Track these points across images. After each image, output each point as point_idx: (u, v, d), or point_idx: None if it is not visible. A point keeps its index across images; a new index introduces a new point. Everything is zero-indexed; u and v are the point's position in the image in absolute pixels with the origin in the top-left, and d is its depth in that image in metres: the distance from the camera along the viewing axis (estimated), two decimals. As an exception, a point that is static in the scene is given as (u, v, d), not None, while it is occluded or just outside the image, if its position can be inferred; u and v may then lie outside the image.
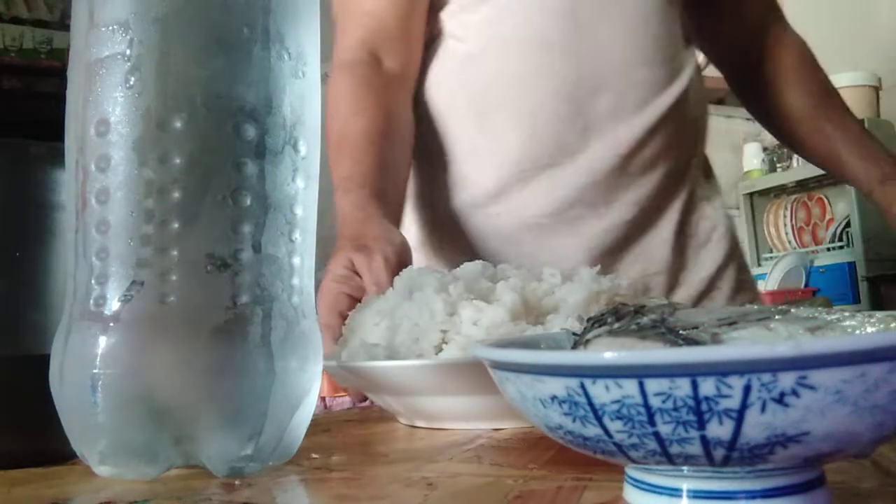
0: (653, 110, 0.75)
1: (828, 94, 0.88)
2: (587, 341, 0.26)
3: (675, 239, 0.78)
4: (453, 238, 0.79)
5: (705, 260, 0.80)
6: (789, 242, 2.83)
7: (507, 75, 0.75)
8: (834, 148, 0.85)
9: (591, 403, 0.20)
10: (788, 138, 0.92)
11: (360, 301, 0.54)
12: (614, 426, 0.20)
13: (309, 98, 0.34)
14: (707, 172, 0.85)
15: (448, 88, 0.79)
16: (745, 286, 0.83)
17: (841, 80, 2.66)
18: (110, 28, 0.31)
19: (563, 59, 0.74)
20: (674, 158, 0.77)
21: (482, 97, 0.77)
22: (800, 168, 2.75)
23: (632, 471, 0.24)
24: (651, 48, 0.75)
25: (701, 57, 0.89)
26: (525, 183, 0.76)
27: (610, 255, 0.75)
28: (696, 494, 0.22)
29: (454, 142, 0.79)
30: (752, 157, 2.90)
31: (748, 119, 3.10)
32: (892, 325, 0.26)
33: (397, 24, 0.76)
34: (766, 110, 0.91)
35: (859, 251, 2.49)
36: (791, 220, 2.83)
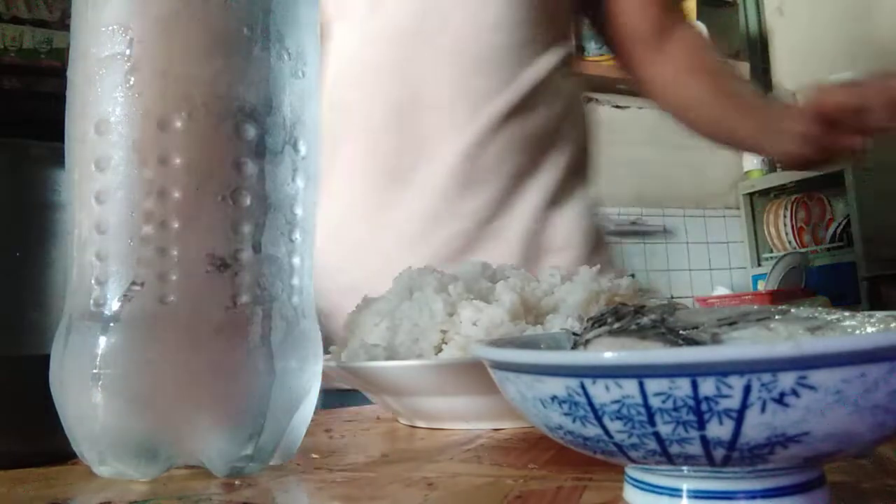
0: (483, 118, 0.76)
1: (720, 73, 0.88)
2: (587, 341, 0.26)
3: (524, 247, 0.78)
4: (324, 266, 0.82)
5: (557, 264, 0.80)
6: (789, 242, 2.83)
7: (344, 102, 0.80)
8: (726, 119, 0.86)
9: (591, 403, 0.20)
10: (690, 124, 0.92)
11: None
12: (614, 426, 0.20)
13: (309, 98, 0.34)
14: (576, 172, 0.84)
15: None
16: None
17: (841, 80, 2.66)
18: (110, 28, 0.31)
19: (391, 81, 0.77)
20: (516, 165, 0.78)
21: (329, 125, 0.80)
22: (800, 168, 2.74)
23: (632, 471, 0.24)
24: (484, 60, 0.77)
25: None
26: (367, 203, 0.79)
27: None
28: (696, 494, 0.22)
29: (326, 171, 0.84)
30: (752, 156, 2.90)
31: (748, 119, 3.10)
32: (892, 325, 0.26)
33: None
34: (670, 105, 0.91)
35: (859, 251, 2.49)
36: (791, 220, 2.83)
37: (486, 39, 0.77)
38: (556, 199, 0.81)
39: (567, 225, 0.81)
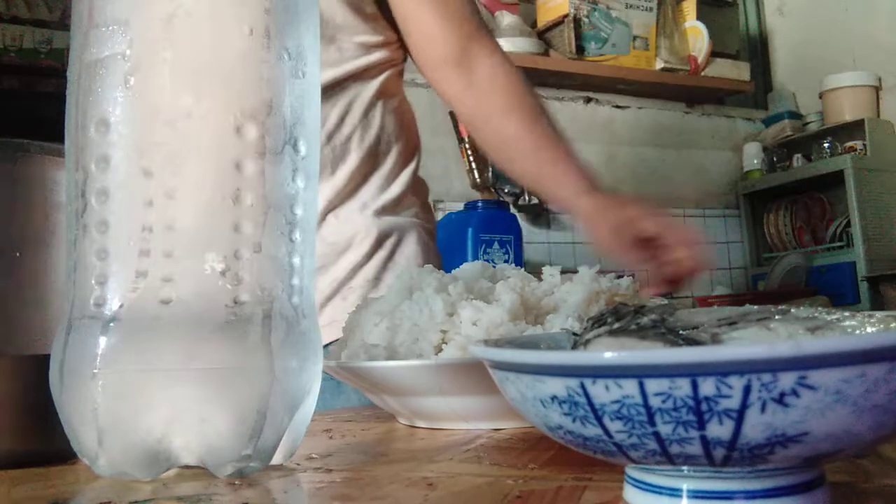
0: None
1: (537, 118, 0.86)
2: (587, 341, 0.26)
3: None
4: None
5: (342, 262, 0.80)
6: (789, 242, 2.83)
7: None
8: (543, 168, 0.85)
9: (591, 403, 0.20)
10: (499, 162, 0.91)
11: None
12: (614, 426, 0.20)
13: (309, 98, 0.34)
14: (365, 175, 0.84)
15: None
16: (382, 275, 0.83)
17: (841, 80, 2.66)
18: (110, 28, 0.31)
19: None
20: None
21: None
22: (800, 168, 2.75)
23: (632, 471, 0.24)
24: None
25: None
26: None
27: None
28: (696, 494, 0.22)
29: None
30: (752, 157, 2.90)
31: (748, 119, 3.11)
32: (892, 325, 0.26)
33: None
34: (480, 135, 0.89)
35: (859, 251, 2.48)
36: (791, 220, 2.83)
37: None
38: (342, 200, 0.82)
39: (355, 224, 0.81)
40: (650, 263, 0.81)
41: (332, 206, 0.81)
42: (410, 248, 0.85)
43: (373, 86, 0.85)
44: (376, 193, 0.84)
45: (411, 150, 0.90)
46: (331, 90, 0.81)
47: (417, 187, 0.90)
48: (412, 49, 0.87)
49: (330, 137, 0.81)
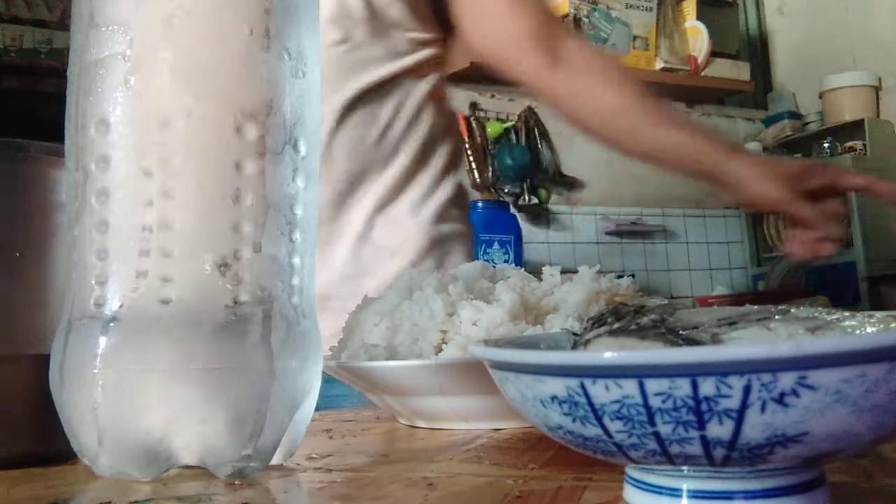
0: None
1: (644, 91, 0.85)
2: (587, 341, 0.26)
3: (357, 247, 0.79)
4: None
5: (391, 268, 0.80)
6: (789, 242, 2.82)
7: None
8: (658, 139, 0.83)
9: (591, 403, 0.20)
10: (608, 136, 0.88)
11: None
12: (614, 426, 0.20)
13: (309, 98, 0.34)
14: (413, 175, 0.84)
15: None
16: None
17: (841, 80, 2.66)
18: (110, 28, 0.31)
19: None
20: (345, 172, 0.79)
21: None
22: (800, 168, 2.74)
23: (632, 471, 0.24)
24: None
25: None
26: None
27: None
28: (695, 494, 0.22)
29: None
30: (752, 156, 2.90)
31: (748, 119, 3.11)
32: (892, 325, 0.26)
33: None
34: (575, 111, 0.87)
35: (859, 251, 2.49)
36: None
37: None
38: (391, 200, 0.82)
39: (406, 223, 0.81)
40: (817, 215, 0.80)
41: (382, 205, 0.81)
42: (457, 258, 0.85)
43: (424, 84, 0.85)
44: (425, 195, 0.84)
45: (457, 154, 0.90)
46: (385, 86, 0.81)
47: (461, 197, 0.90)
48: (476, 32, 0.85)
49: (384, 134, 0.81)
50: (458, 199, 0.89)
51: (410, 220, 0.82)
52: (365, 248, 0.80)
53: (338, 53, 0.79)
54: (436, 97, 0.87)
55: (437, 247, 0.84)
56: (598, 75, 0.84)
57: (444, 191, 0.86)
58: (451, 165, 0.88)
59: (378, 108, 0.81)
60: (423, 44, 0.84)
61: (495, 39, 0.85)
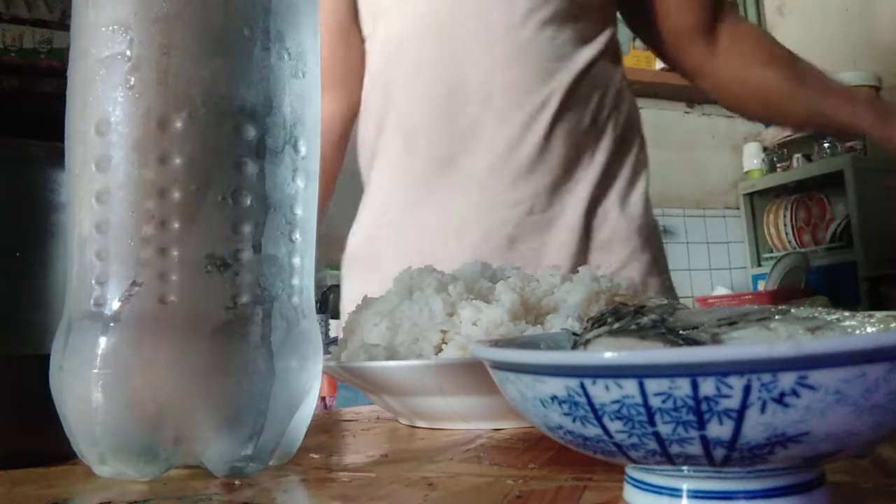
0: (524, 111, 0.77)
1: (793, 61, 0.89)
2: (587, 341, 0.26)
3: (577, 237, 0.79)
4: (369, 256, 0.84)
5: (604, 261, 0.80)
6: (789, 242, 2.83)
7: (389, 95, 0.82)
8: (816, 105, 0.87)
9: (591, 403, 0.20)
10: (765, 114, 0.94)
11: None
12: (614, 426, 0.20)
13: (309, 98, 0.34)
14: (621, 161, 0.84)
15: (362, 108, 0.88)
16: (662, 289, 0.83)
17: (841, 80, 2.66)
18: (110, 28, 0.31)
19: (432, 73, 0.79)
20: (562, 157, 0.79)
21: (377, 118, 0.84)
22: (800, 168, 2.75)
23: (632, 471, 0.24)
24: (517, 53, 0.78)
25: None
26: (409, 196, 0.80)
27: (500, 257, 0.76)
28: (696, 494, 0.22)
29: (365, 167, 0.87)
30: (752, 157, 2.90)
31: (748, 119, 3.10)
32: (892, 325, 0.26)
33: (341, 66, 0.87)
34: (738, 93, 0.91)
35: (859, 251, 2.49)
36: (791, 220, 2.83)
37: (518, 33, 0.78)
38: (603, 190, 0.81)
39: (614, 222, 0.81)
40: None
41: (597, 197, 0.80)
42: (662, 252, 0.86)
43: (620, 69, 0.86)
44: (628, 185, 0.84)
45: (645, 148, 0.91)
46: (590, 69, 0.81)
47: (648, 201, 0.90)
48: (654, 19, 0.87)
49: (595, 119, 0.81)
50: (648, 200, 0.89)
51: (622, 204, 0.82)
52: (582, 239, 0.79)
53: (547, 38, 0.79)
54: (625, 82, 0.88)
55: (654, 231, 0.85)
56: (756, 53, 0.87)
57: (641, 186, 0.87)
58: (645, 160, 0.89)
59: (591, 92, 0.81)
60: (607, 28, 0.84)
61: (670, 29, 0.88)
